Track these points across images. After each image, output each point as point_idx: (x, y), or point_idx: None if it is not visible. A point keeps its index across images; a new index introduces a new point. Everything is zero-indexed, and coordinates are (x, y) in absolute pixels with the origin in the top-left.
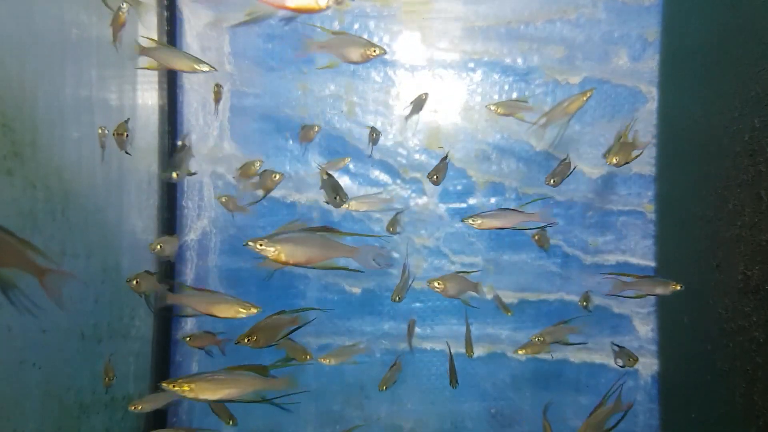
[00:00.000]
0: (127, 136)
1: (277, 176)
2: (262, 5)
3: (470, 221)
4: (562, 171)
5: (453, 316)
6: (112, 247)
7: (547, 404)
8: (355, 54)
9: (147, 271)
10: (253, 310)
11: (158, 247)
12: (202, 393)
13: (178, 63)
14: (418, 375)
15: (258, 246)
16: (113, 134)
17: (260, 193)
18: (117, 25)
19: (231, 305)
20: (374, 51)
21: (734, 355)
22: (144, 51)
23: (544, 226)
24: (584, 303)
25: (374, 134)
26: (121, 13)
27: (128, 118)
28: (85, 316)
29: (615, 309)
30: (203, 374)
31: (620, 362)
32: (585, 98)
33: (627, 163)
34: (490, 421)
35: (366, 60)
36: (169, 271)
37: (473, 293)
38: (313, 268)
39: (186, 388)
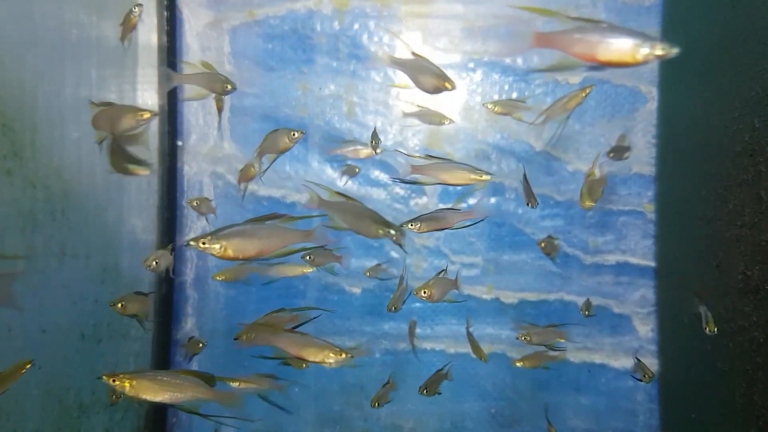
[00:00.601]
0: None
1: (296, 134)
2: None
3: (410, 226)
4: (527, 189)
5: (453, 316)
6: (112, 247)
7: (546, 405)
8: (428, 83)
9: (137, 292)
10: (343, 356)
11: (153, 263)
12: (143, 392)
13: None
14: (418, 375)
15: (201, 244)
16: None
17: (268, 159)
18: (128, 27)
19: (321, 350)
20: (447, 85)
21: (734, 355)
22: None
23: (480, 221)
24: (585, 311)
25: (375, 141)
26: (132, 16)
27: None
28: (84, 316)
29: (615, 309)
30: (147, 372)
31: (637, 375)
32: (584, 95)
33: (594, 203)
34: (490, 421)
35: (437, 92)
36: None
37: (455, 290)
38: (269, 258)
39: (126, 385)
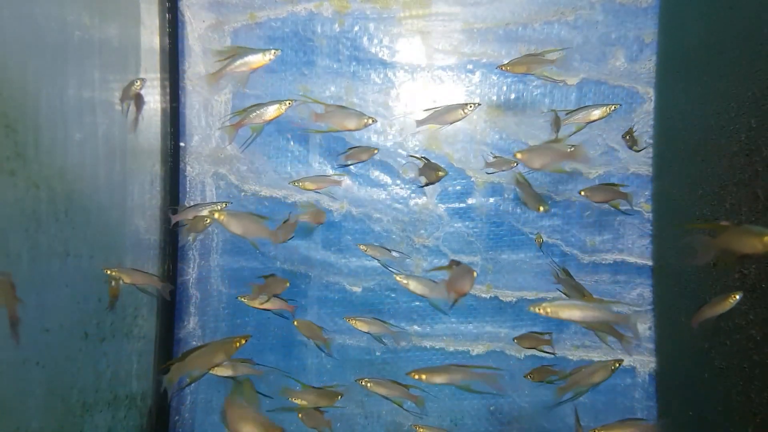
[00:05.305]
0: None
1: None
2: None
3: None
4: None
5: (453, 315)
6: (114, 248)
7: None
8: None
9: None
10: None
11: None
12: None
13: (348, 122)
14: None
15: None
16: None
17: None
18: (128, 94)
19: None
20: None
21: (731, 352)
22: (319, 117)
23: None
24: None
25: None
26: (134, 88)
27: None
28: (88, 315)
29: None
30: None
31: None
32: (610, 110)
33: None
34: (489, 418)
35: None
36: (172, 269)
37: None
38: None
39: None
